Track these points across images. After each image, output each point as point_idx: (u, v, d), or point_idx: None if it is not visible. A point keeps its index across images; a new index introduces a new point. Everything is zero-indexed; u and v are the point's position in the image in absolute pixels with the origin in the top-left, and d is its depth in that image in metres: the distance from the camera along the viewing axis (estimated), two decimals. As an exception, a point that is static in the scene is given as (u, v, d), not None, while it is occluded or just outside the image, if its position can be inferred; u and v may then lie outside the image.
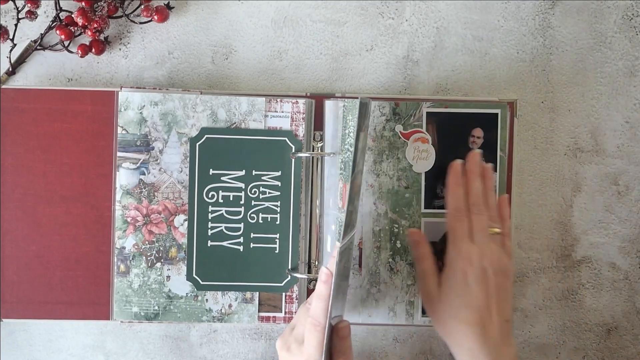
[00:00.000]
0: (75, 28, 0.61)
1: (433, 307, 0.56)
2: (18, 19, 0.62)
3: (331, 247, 0.61)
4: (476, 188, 0.57)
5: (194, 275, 0.61)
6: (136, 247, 0.61)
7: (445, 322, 0.55)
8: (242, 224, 0.61)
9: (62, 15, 0.62)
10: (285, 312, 0.61)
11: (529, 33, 0.65)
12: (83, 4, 0.60)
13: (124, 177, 0.60)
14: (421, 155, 0.61)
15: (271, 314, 0.62)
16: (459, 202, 0.57)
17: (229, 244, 0.61)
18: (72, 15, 0.61)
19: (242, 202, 0.61)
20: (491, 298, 0.54)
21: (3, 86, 0.61)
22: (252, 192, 0.61)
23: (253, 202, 0.61)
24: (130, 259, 0.61)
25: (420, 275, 0.58)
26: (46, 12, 0.63)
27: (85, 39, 0.62)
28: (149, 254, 0.61)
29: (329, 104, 0.61)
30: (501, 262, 0.55)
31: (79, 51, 0.62)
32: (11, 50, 0.62)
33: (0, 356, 0.62)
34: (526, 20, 0.65)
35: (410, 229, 0.60)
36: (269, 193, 0.61)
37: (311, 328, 0.50)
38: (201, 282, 0.61)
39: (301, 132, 0.60)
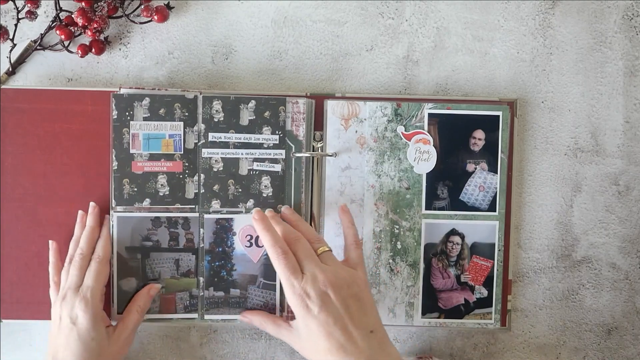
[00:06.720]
0: (75, 28, 0.61)
1: (300, 349, 0.55)
2: (18, 19, 0.62)
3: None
4: (282, 226, 0.57)
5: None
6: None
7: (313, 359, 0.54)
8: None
9: (62, 15, 0.62)
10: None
11: (529, 33, 0.65)
12: (83, 4, 0.60)
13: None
14: (422, 156, 0.61)
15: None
16: (274, 243, 0.55)
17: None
18: (72, 15, 0.61)
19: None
20: (342, 318, 0.52)
21: (3, 86, 0.61)
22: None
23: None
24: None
25: (275, 335, 0.58)
26: (46, 12, 0.63)
27: (85, 39, 0.62)
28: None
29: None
30: (340, 276, 0.53)
31: (79, 51, 0.62)
32: (11, 50, 0.62)
33: (0, 356, 0.62)
34: (526, 20, 0.65)
35: (242, 313, 0.61)
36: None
37: None
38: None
39: (301, 132, 0.60)
